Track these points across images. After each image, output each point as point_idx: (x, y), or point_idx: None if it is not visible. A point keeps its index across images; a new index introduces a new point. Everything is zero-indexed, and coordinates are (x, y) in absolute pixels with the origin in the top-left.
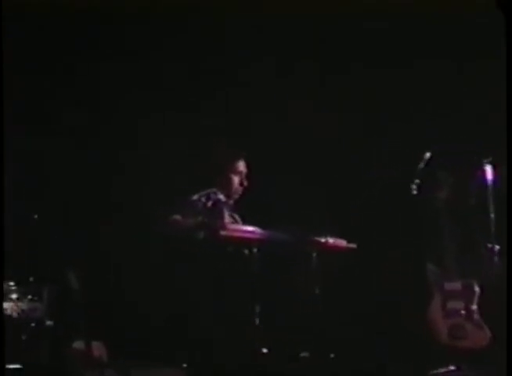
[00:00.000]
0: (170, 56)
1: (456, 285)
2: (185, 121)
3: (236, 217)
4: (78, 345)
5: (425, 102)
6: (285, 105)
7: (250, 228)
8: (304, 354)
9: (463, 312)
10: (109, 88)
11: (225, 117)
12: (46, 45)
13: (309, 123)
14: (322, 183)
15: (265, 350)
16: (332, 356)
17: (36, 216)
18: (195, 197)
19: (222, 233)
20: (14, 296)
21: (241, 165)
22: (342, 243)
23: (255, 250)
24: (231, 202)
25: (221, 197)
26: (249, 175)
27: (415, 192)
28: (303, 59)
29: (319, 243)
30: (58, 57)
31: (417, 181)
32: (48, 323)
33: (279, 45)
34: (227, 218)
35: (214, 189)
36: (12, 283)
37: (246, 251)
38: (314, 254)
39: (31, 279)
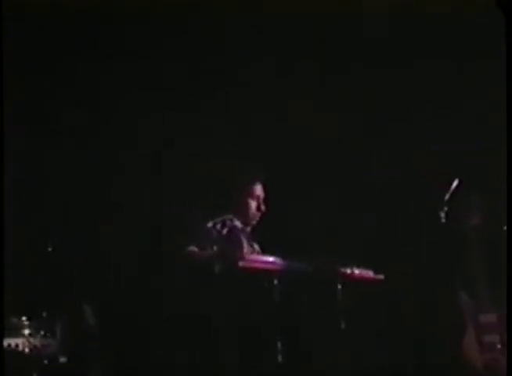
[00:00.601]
0: (170, 56)
1: (492, 317)
2: (185, 122)
3: (255, 246)
4: None
5: (425, 102)
6: (285, 105)
7: (270, 258)
8: None
9: (499, 346)
10: (109, 88)
11: (225, 117)
12: (46, 45)
13: (309, 123)
14: (342, 205)
15: None
16: None
17: (50, 249)
18: (209, 225)
19: (241, 263)
20: (26, 332)
21: (258, 189)
22: (369, 273)
23: (276, 282)
24: (248, 229)
25: (238, 223)
26: (267, 200)
27: (443, 220)
28: (303, 59)
29: (344, 274)
30: (58, 57)
31: (446, 208)
32: (62, 359)
33: (279, 45)
34: (246, 248)
35: (230, 216)
36: (24, 318)
37: (266, 284)
38: (339, 286)
39: (44, 314)
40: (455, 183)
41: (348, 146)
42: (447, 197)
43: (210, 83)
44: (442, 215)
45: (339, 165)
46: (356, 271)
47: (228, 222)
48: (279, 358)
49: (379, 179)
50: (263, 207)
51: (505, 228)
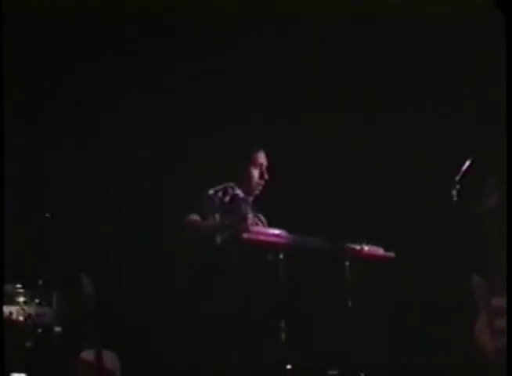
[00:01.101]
0: (170, 56)
1: (505, 300)
2: (184, 122)
3: (261, 218)
4: (88, 354)
5: (425, 102)
6: (285, 105)
7: (275, 231)
8: (332, 372)
9: None
10: (109, 88)
11: (225, 117)
12: (46, 45)
13: (309, 123)
14: (353, 183)
15: (289, 366)
16: (363, 375)
17: (48, 215)
18: (210, 192)
19: (245, 235)
20: (21, 299)
21: (261, 156)
22: (379, 251)
23: (281, 256)
24: (250, 198)
25: (240, 192)
26: (270, 168)
27: (455, 198)
28: (303, 59)
29: (353, 250)
30: (58, 57)
31: (457, 186)
32: (57, 329)
33: (279, 45)
34: (251, 219)
35: (232, 184)
36: (19, 286)
37: (271, 258)
38: (347, 263)
39: (40, 281)
40: (467, 163)
41: (349, 146)
42: (458, 176)
43: (210, 83)
44: (454, 193)
45: (346, 143)
46: (366, 247)
47: (229, 190)
48: (283, 336)
49: (397, 158)
50: (266, 176)
51: None
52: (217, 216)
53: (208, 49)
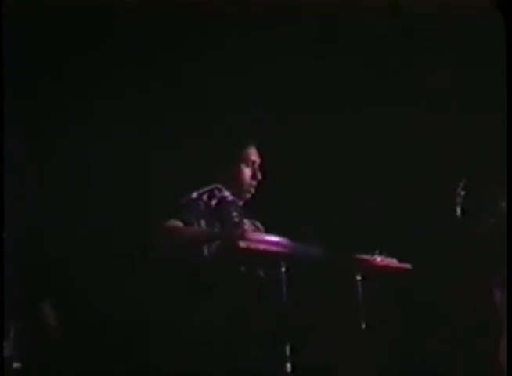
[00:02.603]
0: (171, 55)
1: None
2: (183, 121)
3: (258, 224)
4: None
5: (425, 102)
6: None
7: (275, 238)
8: None
9: None
10: (108, 87)
11: (226, 116)
12: (46, 45)
13: (311, 119)
14: (362, 185)
15: None
16: None
17: (5, 235)
18: (194, 195)
19: (242, 244)
20: None
21: (253, 153)
22: (393, 262)
23: (283, 269)
24: (241, 202)
25: (228, 194)
26: (263, 167)
27: (458, 213)
28: (303, 59)
29: (364, 261)
30: (58, 57)
31: (461, 199)
32: (16, 365)
33: (279, 44)
34: (247, 225)
35: (219, 185)
36: None
37: (270, 272)
38: (358, 277)
39: None
40: (464, 181)
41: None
42: (458, 193)
43: (211, 83)
44: (458, 207)
45: (351, 140)
46: (378, 258)
47: (216, 192)
48: (288, 366)
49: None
50: (259, 175)
51: None
52: (202, 223)
53: (208, 49)
